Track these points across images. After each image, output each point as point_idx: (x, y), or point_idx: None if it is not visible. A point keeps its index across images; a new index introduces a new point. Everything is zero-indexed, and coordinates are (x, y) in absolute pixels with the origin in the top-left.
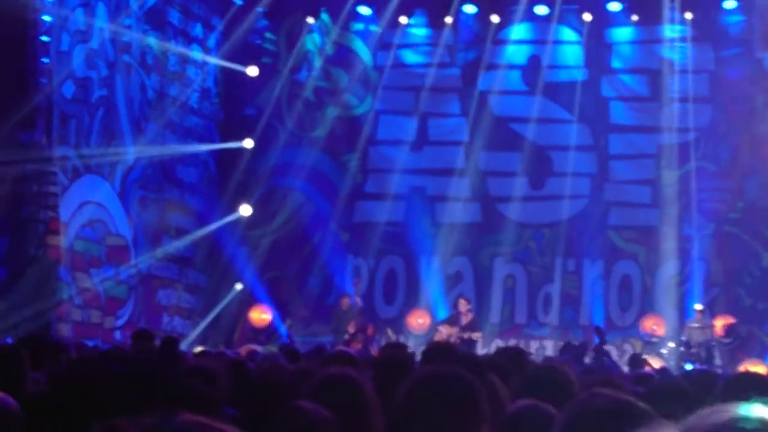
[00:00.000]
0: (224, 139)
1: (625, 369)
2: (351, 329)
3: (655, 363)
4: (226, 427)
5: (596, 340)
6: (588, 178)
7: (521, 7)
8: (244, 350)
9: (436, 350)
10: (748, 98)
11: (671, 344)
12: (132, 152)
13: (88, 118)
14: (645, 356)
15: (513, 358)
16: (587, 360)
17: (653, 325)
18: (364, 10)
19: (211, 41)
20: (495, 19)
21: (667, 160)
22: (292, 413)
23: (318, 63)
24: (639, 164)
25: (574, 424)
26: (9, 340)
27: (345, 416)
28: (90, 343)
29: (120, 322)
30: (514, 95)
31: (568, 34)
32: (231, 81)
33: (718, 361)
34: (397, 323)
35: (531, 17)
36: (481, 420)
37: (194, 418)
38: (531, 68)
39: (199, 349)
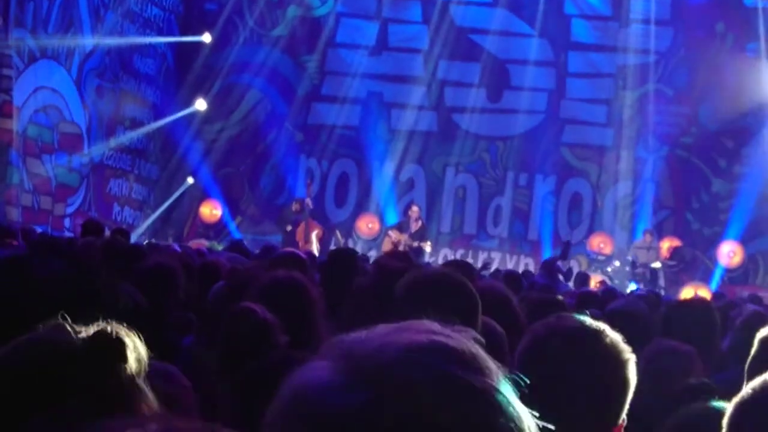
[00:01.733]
0: (183, 33)
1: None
2: (299, 230)
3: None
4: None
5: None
6: (545, 93)
7: None
8: (194, 245)
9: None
10: (709, 24)
11: (617, 263)
12: (90, 40)
13: (46, 3)
14: (590, 274)
15: (460, 271)
16: (536, 274)
17: (600, 244)
18: None
19: None
20: None
21: (625, 80)
22: (238, 315)
23: None
24: (597, 83)
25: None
26: None
27: (290, 319)
28: (39, 229)
29: (70, 210)
30: (476, 6)
31: None
32: None
33: (661, 282)
34: (347, 227)
35: None
36: (476, 318)
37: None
38: None
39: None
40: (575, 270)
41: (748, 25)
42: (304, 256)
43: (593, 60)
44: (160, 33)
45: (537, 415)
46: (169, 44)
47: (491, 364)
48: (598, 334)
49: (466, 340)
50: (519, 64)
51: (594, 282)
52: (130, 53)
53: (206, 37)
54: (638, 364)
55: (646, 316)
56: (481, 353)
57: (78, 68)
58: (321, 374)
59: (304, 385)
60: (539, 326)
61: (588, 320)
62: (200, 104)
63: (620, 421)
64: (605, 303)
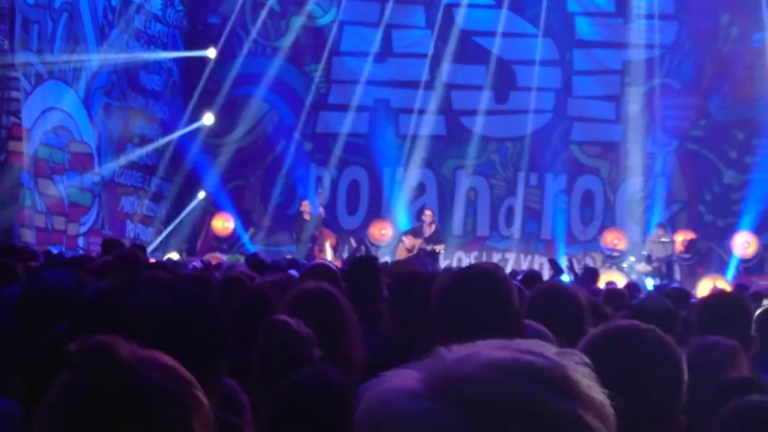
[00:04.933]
0: (188, 47)
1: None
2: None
3: (618, 278)
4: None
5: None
6: (552, 92)
7: None
8: (212, 259)
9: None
10: (713, 15)
11: (632, 258)
12: (96, 59)
13: (51, 24)
14: (605, 270)
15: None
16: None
17: (614, 240)
18: None
19: None
20: None
21: (631, 76)
22: (272, 327)
23: None
24: (603, 80)
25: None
26: None
27: (323, 332)
28: (54, 249)
29: (84, 229)
30: (480, 8)
31: None
32: None
33: (677, 276)
34: (360, 234)
35: None
36: (514, 310)
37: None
38: None
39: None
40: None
41: (753, 16)
42: (334, 267)
43: (599, 57)
44: (165, 49)
45: None
46: (175, 60)
47: (589, 392)
48: (652, 333)
49: (565, 363)
50: (525, 65)
51: (616, 280)
52: (136, 70)
53: (211, 52)
54: None
55: (671, 312)
56: (578, 378)
57: (85, 87)
58: (402, 381)
59: (383, 389)
60: (596, 329)
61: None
62: (208, 118)
63: (678, 416)
64: (631, 300)
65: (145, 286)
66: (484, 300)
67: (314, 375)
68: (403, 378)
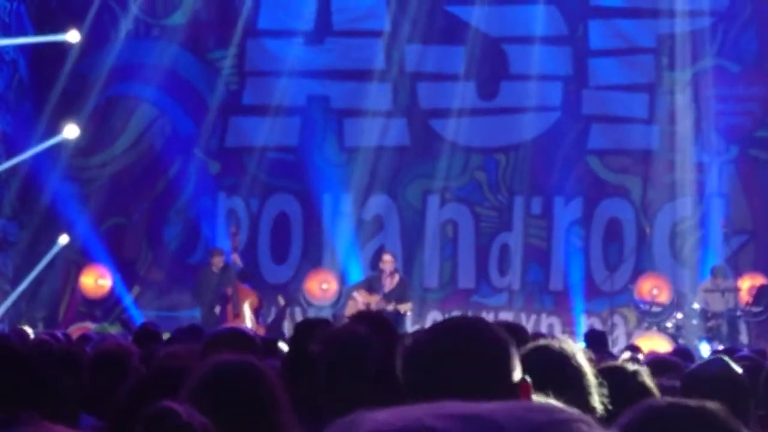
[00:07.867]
0: (40, 30)
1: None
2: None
3: (660, 344)
4: None
5: None
6: (560, 82)
7: None
8: (74, 332)
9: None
10: None
11: (679, 315)
12: None
13: None
14: (642, 333)
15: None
16: None
17: (654, 289)
18: None
19: None
20: None
21: (671, 56)
22: (152, 420)
23: None
24: (632, 63)
25: None
26: None
27: (243, 424)
28: None
29: None
30: None
31: None
32: None
33: (744, 338)
34: (292, 290)
35: None
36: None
37: None
38: None
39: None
40: (619, 329)
41: None
42: (251, 333)
43: (624, 30)
44: (8, 33)
45: None
46: (21, 48)
47: None
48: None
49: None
50: (520, 43)
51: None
52: None
53: (73, 35)
54: None
55: (742, 385)
56: None
57: None
58: None
59: None
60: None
61: None
62: (70, 131)
63: None
64: (681, 368)
65: None
66: (475, 369)
67: None
68: None
